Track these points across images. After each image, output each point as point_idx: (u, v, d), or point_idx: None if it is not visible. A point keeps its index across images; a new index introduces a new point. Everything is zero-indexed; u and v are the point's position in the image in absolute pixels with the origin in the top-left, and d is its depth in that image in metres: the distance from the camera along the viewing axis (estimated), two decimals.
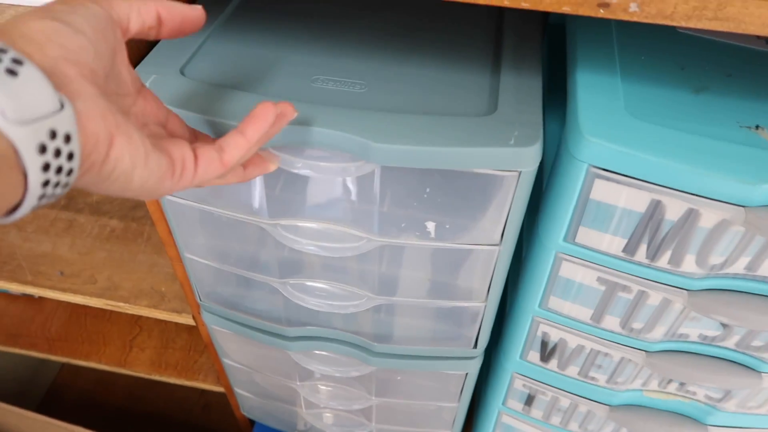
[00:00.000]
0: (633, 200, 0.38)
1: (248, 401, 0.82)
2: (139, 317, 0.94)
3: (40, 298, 0.95)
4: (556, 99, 0.54)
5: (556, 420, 0.62)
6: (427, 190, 0.43)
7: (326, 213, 0.47)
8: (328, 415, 0.76)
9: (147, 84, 0.42)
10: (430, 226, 0.46)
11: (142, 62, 0.45)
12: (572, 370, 0.54)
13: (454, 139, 0.39)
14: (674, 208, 0.37)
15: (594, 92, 0.40)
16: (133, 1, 0.31)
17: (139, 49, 0.46)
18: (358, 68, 0.46)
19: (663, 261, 0.41)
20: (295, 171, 0.43)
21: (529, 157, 0.40)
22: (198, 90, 0.43)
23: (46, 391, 1.25)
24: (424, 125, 0.40)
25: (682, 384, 0.51)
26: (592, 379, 0.54)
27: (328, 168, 0.42)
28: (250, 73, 0.45)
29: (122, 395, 1.25)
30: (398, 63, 0.46)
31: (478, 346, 0.58)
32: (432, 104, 0.42)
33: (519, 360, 0.57)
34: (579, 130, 0.37)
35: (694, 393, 0.52)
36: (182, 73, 0.44)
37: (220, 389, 0.87)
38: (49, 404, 1.23)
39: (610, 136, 0.37)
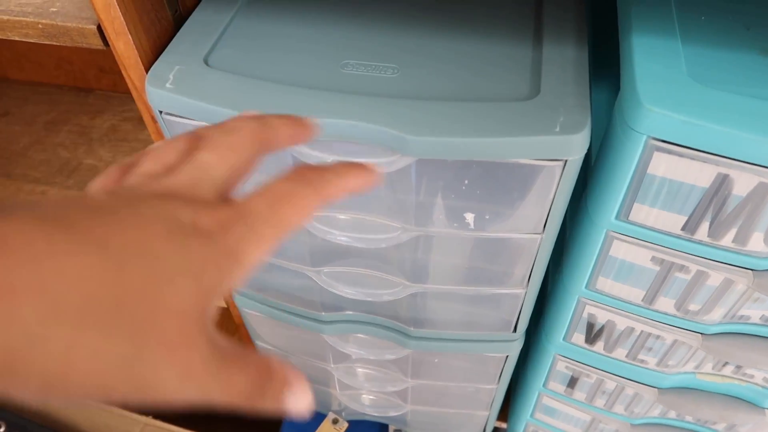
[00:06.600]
0: (696, 175, 0.35)
1: None
2: None
3: None
4: (604, 63, 0.50)
5: (600, 402, 0.59)
6: (466, 181, 0.40)
7: (360, 204, 0.45)
8: (362, 396, 0.75)
9: (171, 76, 0.40)
10: (469, 217, 0.43)
11: (165, 52, 0.43)
12: (620, 353, 0.52)
13: (495, 129, 0.36)
14: (743, 183, 0.34)
15: (652, 57, 0.36)
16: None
17: (161, 38, 0.44)
18: (389, 48, 0.43)
19: (727, 239, 0.38)
20: None
21: (576, 145, 0.37)
22: (223, 81, 0.40)
23: None
24: (463, 114, 0.37)
25: (738, 367, 0.48)
26: (641, 361, 0.51)
27: None
28: (276, 60, 0.42)
29: None
30: (431, 40, 0.43)
31: (518, 331, 0.56)
32: (470, 88, 0.39)
33: (562, 342, 0.55)
34: (638, 99, 0.34)
35: (752, 376, 0.49)
36: (206, 62, 0.42)
37: None
38: None
39: (673, 105, 0.33)
